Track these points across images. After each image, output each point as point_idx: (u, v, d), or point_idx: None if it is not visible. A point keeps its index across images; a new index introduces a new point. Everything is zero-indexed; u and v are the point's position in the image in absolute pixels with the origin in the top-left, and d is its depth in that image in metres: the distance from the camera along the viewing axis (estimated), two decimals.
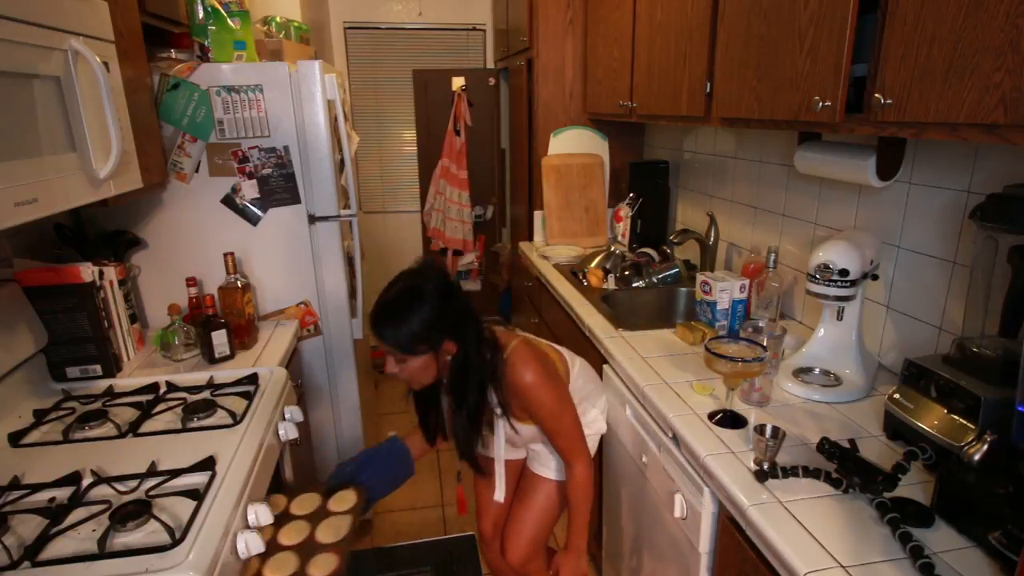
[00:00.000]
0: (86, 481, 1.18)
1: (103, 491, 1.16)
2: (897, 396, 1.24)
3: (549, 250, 2.82)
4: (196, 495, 1.12)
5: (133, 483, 1.18)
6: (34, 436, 1.38)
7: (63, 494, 1.15)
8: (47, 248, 1.76)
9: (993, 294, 1.12)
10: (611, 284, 2.33)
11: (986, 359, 1.10)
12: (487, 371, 1.40)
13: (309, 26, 3.08)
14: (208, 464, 1.22)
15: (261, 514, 1.18)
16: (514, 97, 3.56)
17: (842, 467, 1.10)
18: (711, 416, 1.36)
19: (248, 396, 1.53)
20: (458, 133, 4.09)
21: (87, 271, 1.57)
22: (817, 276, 1.41)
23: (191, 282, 1.85)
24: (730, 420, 1.34)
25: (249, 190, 2.02)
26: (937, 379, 1.15)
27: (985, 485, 0.96)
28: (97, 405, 1.51)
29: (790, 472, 1.13)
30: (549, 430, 1.46)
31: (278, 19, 2.61)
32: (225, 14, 1.93)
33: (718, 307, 1.79)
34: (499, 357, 1.41)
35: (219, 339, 1.76)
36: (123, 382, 1.64)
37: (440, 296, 1.33)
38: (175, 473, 1.20)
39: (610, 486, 1.87)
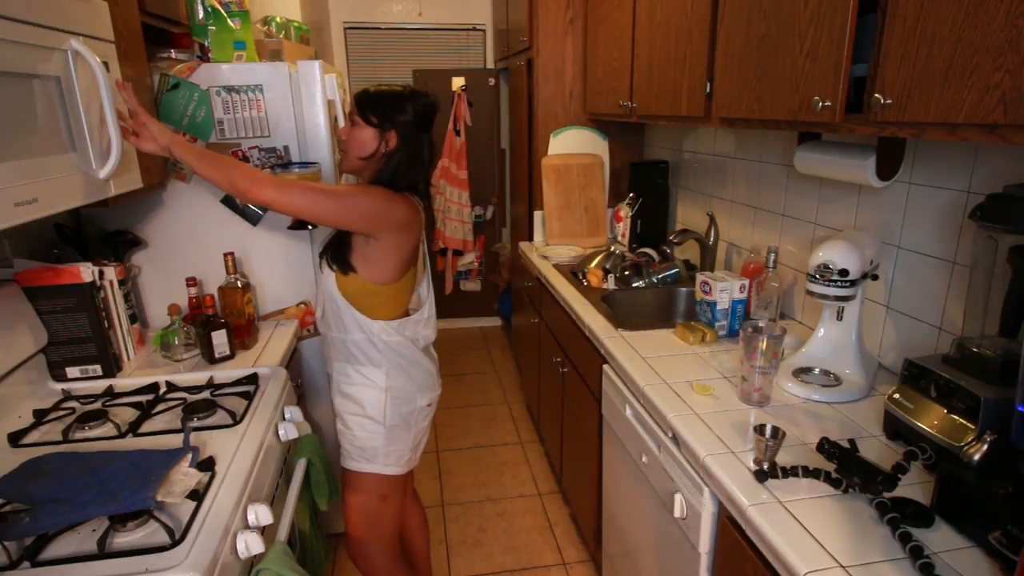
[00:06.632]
0: None
1: None
2: (897, 396, 1.24)
3: (549, 250, 2.82)
4: (196, 495, 1.12)
5: None
6: (34, 436, 1.38)
7: None
8: (47, 248, 1.76)
9: (993, 294, 1.12)
10: (611, 284, 2.33)
11: (986, 359, 1.10)
12: (401, 184, 1.53)
13: (309, 26, 3.08)
14: (208, 464, 1.22)
15: (261, 514, 1.18)
16: (514, 97, 3.56)
17: (842, 467, 1.10)
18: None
19: (248, 396, 1.54)
20: (458, 133, 4.09)
21: (87, 271, 1.57)
22: (817, 276, 1.41)
23: (191, 282, 1.85)
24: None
25: None
26: (937, 379, 1.15)
27: (985, 485, 0.96)
28: (97, 405, 1.51)
29: (790, 472, 1.13)
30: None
31: (278, 19, 2.61)
32: (225, 14, 1.93)
33: (718, 307, 1.79)
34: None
35: (219, 339, 1.76)
36: (123, 382, 1.64)
37: (420, 112, 1.53)
38: None
39: (610, 486, 1.87)
